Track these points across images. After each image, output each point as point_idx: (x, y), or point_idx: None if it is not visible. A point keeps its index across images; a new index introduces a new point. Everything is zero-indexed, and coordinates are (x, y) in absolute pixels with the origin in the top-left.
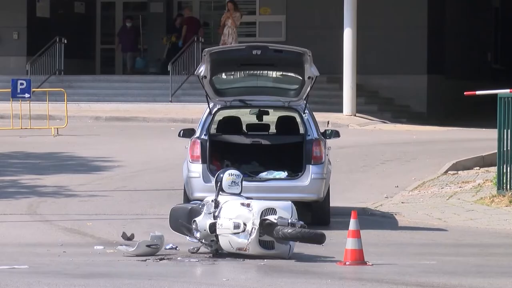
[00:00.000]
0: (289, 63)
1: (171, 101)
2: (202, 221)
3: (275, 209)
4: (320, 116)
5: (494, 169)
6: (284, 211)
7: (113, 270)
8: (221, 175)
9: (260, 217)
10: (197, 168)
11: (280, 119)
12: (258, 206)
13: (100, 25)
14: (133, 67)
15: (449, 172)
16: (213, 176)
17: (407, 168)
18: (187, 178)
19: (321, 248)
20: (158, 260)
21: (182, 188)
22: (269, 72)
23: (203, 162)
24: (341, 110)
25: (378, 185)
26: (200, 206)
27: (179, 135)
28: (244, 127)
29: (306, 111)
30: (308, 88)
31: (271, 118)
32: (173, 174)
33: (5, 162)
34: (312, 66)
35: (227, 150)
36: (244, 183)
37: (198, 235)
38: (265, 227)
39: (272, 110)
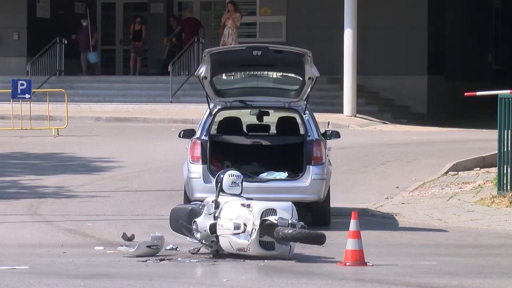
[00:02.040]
0: (290, 64)
1: (171, 102)
2: (203, 221)
3: (275, 210)
4: (320, 117)
5: (494, 170)
6: (284, 211)
7: (113, 270)
8: (222, 176)
9: (261, 217)
10: (197, 169)
11: (281, 120)
12: (258, 206)
13: (100, 25)
14: (88, 66)
15: (449, 172)
16: (214, 176)
17: (407, 168)
18: (187, 178)
19: (322, 248)
20: (158, 260)
21: (183, 189)
22: (269, 72)
23: (204, 162)
24: (341, 111)
25: (378, 186)
26: (201, 207)
27: (179, 135)
28: (244, 128)
29: (307, 111)
30: (309, 89)
31: (272, 118)
32: (174, 174)
33: (6, 163)
34: (313, 67)
35: (227, 151)
36: (245, 183)
37: (198, 235)
38: (266, 227)
39: (273, 110)
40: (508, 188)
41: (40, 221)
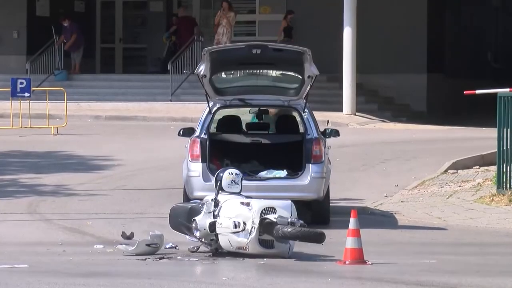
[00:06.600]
0: (289, 62)
1: (171, 100)
2: (202, 220)
3: (274, 208)
4: (320, 115)
5: (494, 168)
6: (283, 210)
7: (113, 269)
8: (221, 174)
9: (260, 216)
10: (197, 167)
11: (280, 118)
12: (258, 205)
13: (100, 24)
14: (80, 65)
15: (448, 171)
16: (213, 175)
17: (407, 167)
18: (186, 177)
19: (321, 247)
20: (158, 259)
21: (182, 187)
22: (269, 71)
23: (203, 161)
24: (341, 109)
25: (378, 184)
26: (200, 205)
27: (179, 134)
28: (243, 126)
29: (306, 110)
30: (308, 87)
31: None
32: (173, 173)
33: (5, 161)
34: (312, 65)
35: (226, 149)
36: (244, 182)
37: (198, 234)
38: (265, 226)
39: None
40: (508, 186)
41: (40, 219)
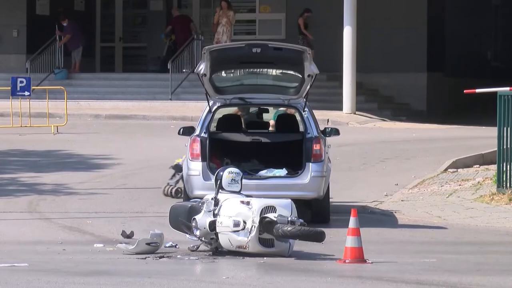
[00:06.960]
0: (289, 61)
1: (171, 99)
2: (202, 219)
3: (274, 207)
4: (320, 114)
5: (494, 167)
6: (283, 209)
7: (112, 268)
8: (221, 173)
9: (260, 215)
10: (196, 166)
11: (280, 117)
12: (258, 204)
13: (100, 23)
14: (80, 64)
15: (448, 170)
16: (213, 174)
17: (406, 166)
18: (186, 176)
19: (321, 246)
20: (157, 258)
21: (182, 186)
22: (269, 70)
23: (203, 160)
24: (341, 108)
25: (377, 183)
26: (200, 204)
27: (178, 133)
28: (243, 125)
29: (306, 109)
30: (308, 86)
31: (271, 116)
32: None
33: (5, 160)
34: (312, 64)
35: (226, 148)
36: (244, 181)
37: (197, 233)
38: (265, 225)
39: (272, 108)
40: (508, 185)
41: (40, 218)
